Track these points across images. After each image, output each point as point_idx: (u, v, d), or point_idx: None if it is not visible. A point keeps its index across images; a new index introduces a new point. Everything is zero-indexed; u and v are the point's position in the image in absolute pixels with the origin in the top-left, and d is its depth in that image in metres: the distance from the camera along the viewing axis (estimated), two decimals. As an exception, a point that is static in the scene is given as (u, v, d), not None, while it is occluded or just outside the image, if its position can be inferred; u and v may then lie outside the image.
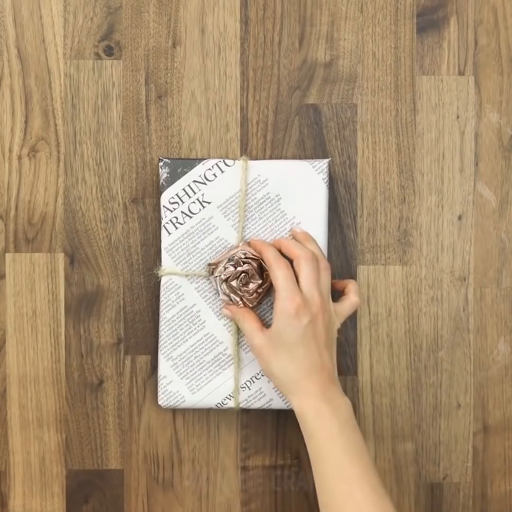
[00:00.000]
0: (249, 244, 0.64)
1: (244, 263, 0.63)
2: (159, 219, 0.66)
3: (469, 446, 0.68)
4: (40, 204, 0.67)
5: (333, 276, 0.67)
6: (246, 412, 0.68)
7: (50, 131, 0.67)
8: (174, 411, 0.68)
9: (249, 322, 0.62)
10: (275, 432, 0.68)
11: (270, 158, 0.67)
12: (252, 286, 0.63)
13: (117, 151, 0.67)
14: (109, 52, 0.67)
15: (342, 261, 0.68)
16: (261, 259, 0.63)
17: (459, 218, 0.68)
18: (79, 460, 0.68)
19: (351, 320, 0.67)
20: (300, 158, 0.67)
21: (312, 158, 0.67)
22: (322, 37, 0.67)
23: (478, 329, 0.68)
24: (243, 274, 0.63)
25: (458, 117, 0.68)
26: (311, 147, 0.68)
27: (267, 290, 0.64)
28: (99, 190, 0.67)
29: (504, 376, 0.68)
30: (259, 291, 0.63)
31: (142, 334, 0.67)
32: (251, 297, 0.63)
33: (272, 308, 0.64)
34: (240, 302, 0.63)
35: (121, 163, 0.67)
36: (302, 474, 0.68)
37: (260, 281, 0.63)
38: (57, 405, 0.68)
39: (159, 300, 0.65)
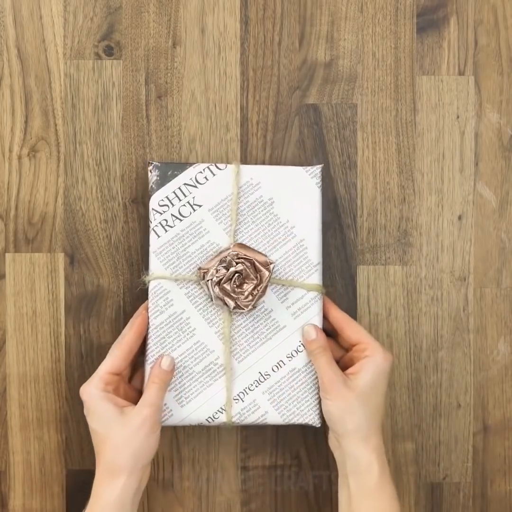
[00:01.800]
0: (240, 246, 0.62)
1: (237, 263, 0.61)
2: (159, 219, 0.66)
3: (469, 446, 0.68)
4: (40, 204, 0.67)
5: (333, 278, 0.67)
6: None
7: (50, 131, 0.67)
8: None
9: (332, 362, 0.60)
10: (275, 432, 0.68)
11: (270, 158, 0.67)
12: (247, 287, 0.61)
13: (117, 151, 0.67)
14: (109, 52, 0.67)
15: (342, 261, 0.68)
16: (255, 260, 0.61)
17: (459, 218, 0.68)
18: (79, 460, 0.68)
19: (351, 320, 0.67)
20: (300, 158, 0.67)
21: (312, 158, 0.67)
22: (322, 37, 0.67)
23: (478, 329, 0.68)
24: (237, 275, 0.60)
25: (458, 117, 0.68)
26: (311, 147, 0.68)
27: (262, 292, 0.61)
28: (99, 190, 0.67)
29: (504, 376, 0.68)
30: (254, 293, 0.61)
31: (142, 334, 0.67)
32: (246, 299, 0.61)
33: (265, 313, 0.63)
34: (234, 305, 0.61)
35: (121, 163, 0.67)
36: (302, 474, 0.68)
37: (255, 282, 0.61)
38: (57, 405, 0.68)
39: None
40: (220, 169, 0.63)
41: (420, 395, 0.68)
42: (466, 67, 0.68)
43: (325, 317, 0.63)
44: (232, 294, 0.61)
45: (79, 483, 0.68)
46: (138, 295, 0.67)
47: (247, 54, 0.67)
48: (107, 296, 0.67)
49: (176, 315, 0.62)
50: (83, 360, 0.67)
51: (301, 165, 0.67)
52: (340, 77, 0.68)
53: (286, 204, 0.63)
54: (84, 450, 0.68)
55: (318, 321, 0.63)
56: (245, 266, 0.61)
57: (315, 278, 0.63)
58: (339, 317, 0.63)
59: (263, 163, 0.67)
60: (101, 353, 0.67)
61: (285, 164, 0.67)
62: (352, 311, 0.67)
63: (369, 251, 0.68)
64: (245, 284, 0.61)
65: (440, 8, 0.68)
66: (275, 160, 0.67)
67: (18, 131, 0.67)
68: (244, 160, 0.67)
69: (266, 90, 0.67)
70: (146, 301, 0.63)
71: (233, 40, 0.67)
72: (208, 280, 0.61)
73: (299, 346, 0.63)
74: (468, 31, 0.68)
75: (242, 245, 0.62)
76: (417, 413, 0.68)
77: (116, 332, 0.67)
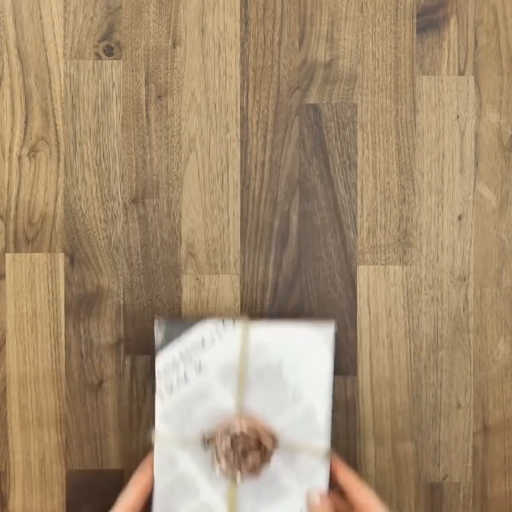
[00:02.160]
0: (245, 416, 0.62)
1: (240, 436, 0.60)
2: (159, 219, 0.66)
3: (469, 446, 0.68)
4: (40, 204, 0.67)
5: (333, 278, 0.67)
6: (246, 412, 0.68)
7: (50, 131, 0.67)
8: (174, 411, 0.68)
9: None
10: (275, 432, 0.68)
11: (270, 158, 0.67)
12: (251, 459, 0.60)
13: (117, 151, 0.67)
14: (109, 52, 0.67)
15: (342, 261, 0.68)
16: (259, 432, 0.61)
17: (459, 218, 0.68)
18: (79, 460, 0.68)
19: (351, 320, 0.67)
20: (300, 158, 0.67)
21: (312, 158, 0.67)
22: (322, 37, 0.67)
23: (478, 329, 0.68)
24: (240, 447, 0.60)
25: (458, 117, 0.68)
26: (311, 147, 0.68)
27: (266, 462, 0.61)
28: (99, 190, 0.67)
29: (504, 376, 0.68)
30: (257, 464, 0.60)
31: (142, 334, 0.67)
32: (249, 470, 0.61)
33: (271, 477, 0.62)
34: (238, 475, 0.61)
35: (121, 163, 0.67)
36: (302, 474, 0.68)
37: (259, 453, 0.60)
38: (57, 405, 0.68)
39: (159, 300, 0.65)
40: (227, 329, 0.62)
41: (420, 395, 0.68)
42: (466, 67, 0.68)
43: (332, 475, 0.63)
44: (235, 465, 0.61)
45: (79, 483, 0.68)
46: (138, 295, 0.67)
47: (247, 54, 0.67)
48: (107, 296, 0.67)
49: (181, 476, 0.62)
50: (83, 360, 0.67)
51: (301, 164, 0.67)
52: (340, 77, 0.68)
53: (295, 368, 0.62)
54: (84, 450, 0.68)
55: (323, 485, 0.62)
56: (248, 441, 0.60)
57: (322, 442, 0.62)
58: (346, 479, 0.62)
59: (263, 163, 0.67)
60: (101, 353, 0.67)
61: (285, 164, 0.67)
62: (352, 311, 0.67)
63: (369, 251, 0.68)
64: (249, 456, 0.60)
65: (440, 8, 0.68)
66: (275, 159, 0.67)
67: (18, 131, 0.67)
68: (244, 160, 0.67)
69: (266, 90, 0.67)
70: (149, 457, 0.63)
71: (233, 40, 0.67)
72: (212, 449, 0.61)
73: (303, 509, 0.62)
74: (468, 31, 0.68)
75: (247, 415, 0.62)
76: (417, 413, 0.68)
77: (116, 332, 0.67)
